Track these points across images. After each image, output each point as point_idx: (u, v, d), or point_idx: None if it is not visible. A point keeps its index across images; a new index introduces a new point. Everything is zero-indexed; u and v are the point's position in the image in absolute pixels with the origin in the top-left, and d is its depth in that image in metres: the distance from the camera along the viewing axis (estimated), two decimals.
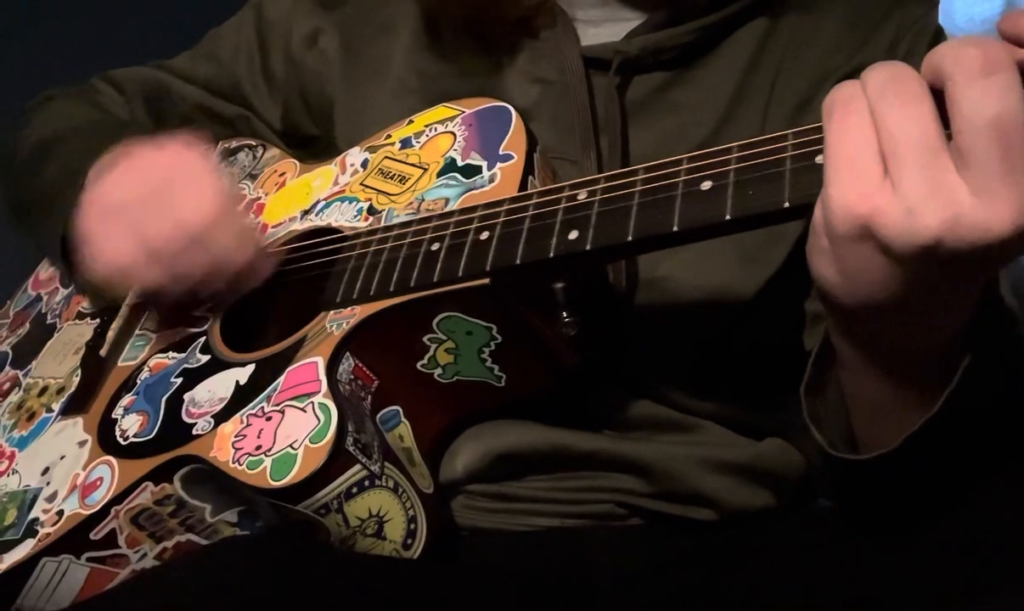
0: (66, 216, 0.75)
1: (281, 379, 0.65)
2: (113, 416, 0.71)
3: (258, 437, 0.62)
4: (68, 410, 0.74)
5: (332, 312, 0.67)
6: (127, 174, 0.71)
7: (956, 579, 0.53)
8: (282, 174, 0.84)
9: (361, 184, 0.76)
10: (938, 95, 0.45)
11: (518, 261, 0.60)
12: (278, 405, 0.63)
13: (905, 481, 0.58)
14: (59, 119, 0.88)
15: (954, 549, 0.55)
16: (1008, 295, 0.69)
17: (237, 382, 0.67)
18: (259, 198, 0.83)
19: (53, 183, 0.79)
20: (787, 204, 0.51)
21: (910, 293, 0.48)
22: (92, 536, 0.66)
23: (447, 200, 0.69)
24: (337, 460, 0.60)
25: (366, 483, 0.62)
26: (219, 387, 0.68)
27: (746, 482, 0.74)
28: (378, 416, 0.66)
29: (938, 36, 0.78)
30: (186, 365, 0.71)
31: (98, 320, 0.80)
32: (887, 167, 0.45)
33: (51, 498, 0.68)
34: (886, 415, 0.56)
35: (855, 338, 0.55)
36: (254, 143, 0.90)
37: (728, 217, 0.53)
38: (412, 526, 0.65)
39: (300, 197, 0.79)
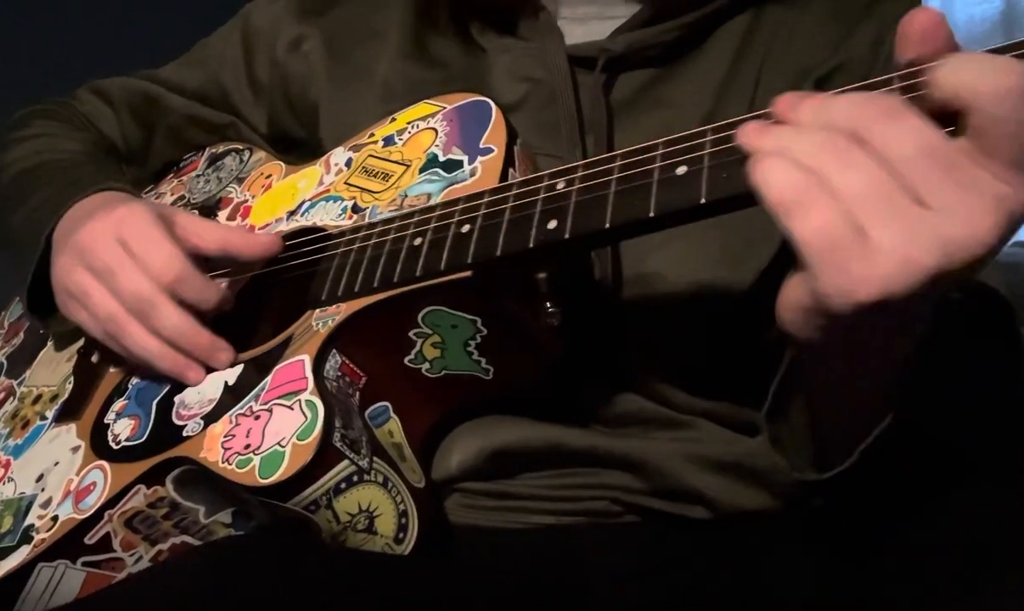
0: (30, 272, 0.77)
1: (269, 378, 0.65)
2: (105, 421, 0.71)
3: (247, 436, 0.62)
4: (61, 417, 0.75)
5: (318, 310, 0.68)
6: (74, 259, 0.72)
7: (954, 579, 0.53)
8: (268, 176, 0.84)
9: (345, 183, 0.76)
10: None
11: (499, 252, 0.61)
12: (266, 404, 0.64)
13: (871, 488, 0.58)
14: (35, 151, 0.89)
15: (952, 549, 0.55)
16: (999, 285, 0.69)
17: (226, 383, 0.68)
18: (246, 201, 0.83)
19: (20, 232, 0.81)
20: None
21: (898, 322, 0.49)
22: (87, 540, 0.66)
23: (429, 195, 0.70)
24: (324, 456, 0.60)
25: (355, 478, 0.62)
26: (208, 388, 0.68)
27: (740, 481, 0.74)
28: (367, 412, 0.67)
29: None
30: None
31: None
32: (862, 229, 0.45)
33: (46, 504, 0.69)
34: (853, 429, 0.56)
35: (831, 367, 0.55)
36: (241, 147, 0.91)
37: (703, 201, 0.54)
38: (403, 520, 0.65)
39: (286, 198, 0.80)
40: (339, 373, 0.66)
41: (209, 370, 0.69)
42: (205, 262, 0.76)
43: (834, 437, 0.59)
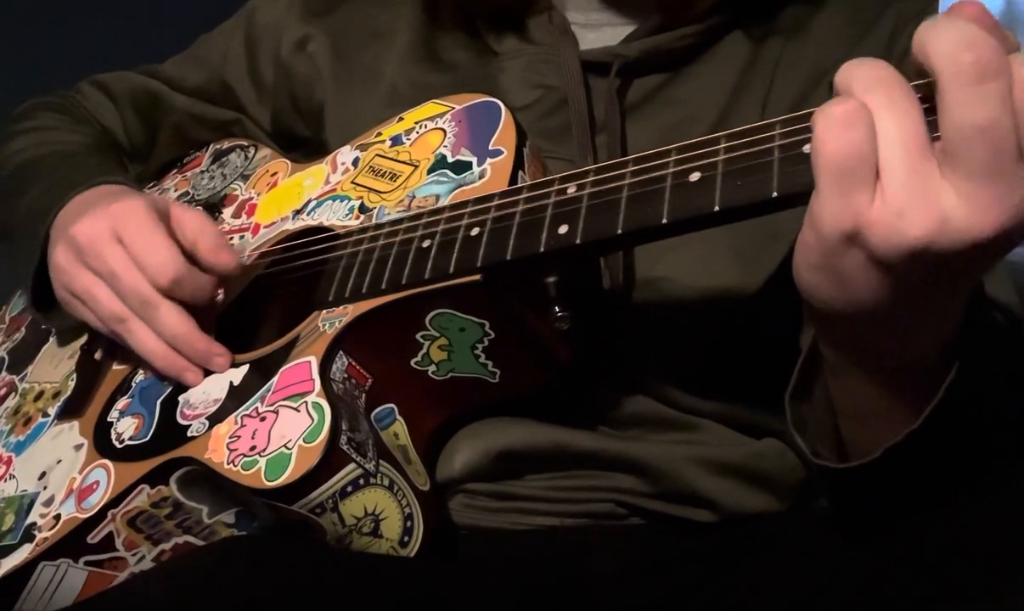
0: (32, 269, 0.77)
1: (275, 379, 0.65)
2: (109, 419, 0.71)
3: (252, 438, 0.62)
4: (64, 414, 0.74)
5: (325, 311, 0.67)
6: (73, 258, 0.72)
7: (956, 580, 0.53)
8: (274, 174, 0.84)
9: (352, 182, 0.76)
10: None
11: (508, 256, 0.60)
12: (272, 405, 0.63)
13: (891, 486, 0.58)
14: (37, 143, 0.89)
15: (954, 550, 0.55)
16: (1012, 297, 0.69)
17: (231, 383, 0.67)
18: (251, 198, 0.83)
19: (19, 224, 0.81)
20: (775, 194, 0.51)
21: (898, 298, 0.48)
22: (89, 539, 0.66)
23: (437, 197, 0.69)
24: (331, 459, 0.60)
25: (361, 482, 0.62)
26: (213, 388, 0.68)
27: (744, 484, 0.74)
28: (373, 414, 0.66)
29: None
30: None
31: None
32: (877, 172, 0.45)
33: (48, 502, 0.68)
34: (875, 421, 0.56)
35: (843, 345, 0.55)
36: (246, 143, 0.90)
37: (717, 208, 0.53)
38: (408, 524, 0.65)
39: (292, 197, 0.79)
40: (346, 375, 0.65)
41: (208, 373, 0.69)
42: None
43: (857, 434, 0.59)
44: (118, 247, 0.70)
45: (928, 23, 0.45)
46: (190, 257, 0.71)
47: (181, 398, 0.69)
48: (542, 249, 0.59)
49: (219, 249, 0.72)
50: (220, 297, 0.74)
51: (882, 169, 0.44)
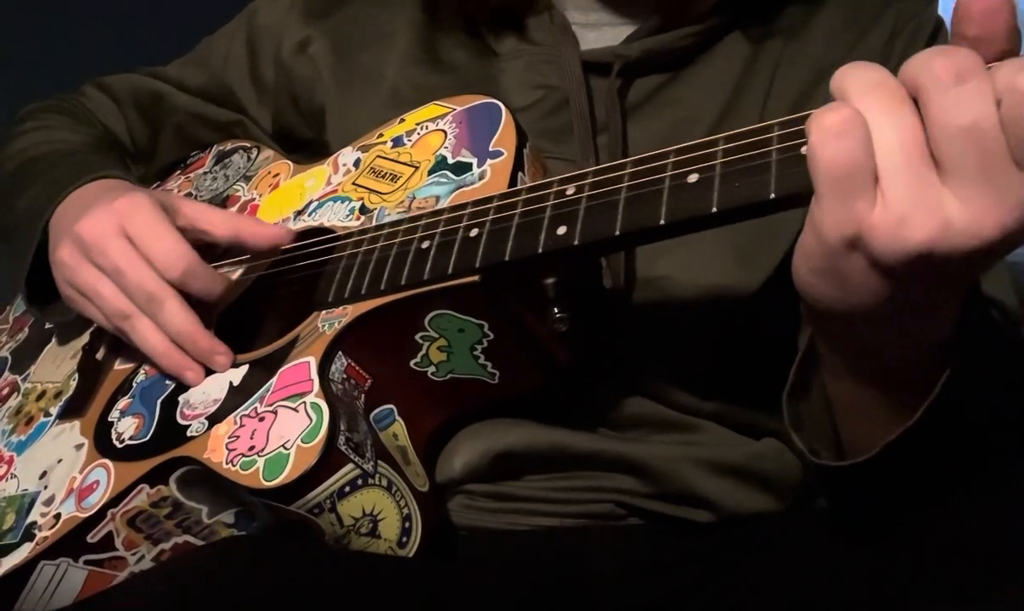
0: (28, 263, 0.78)
1: (274, 380, 0.65)
2: (109, 419, 0.71)
3: (251, 438, 0.62)
4: (65, 414, 0.74)
5: (324, 312, 0.68)
6: (77, 254, 0.72)
7: (955, 580, 0.53)
8: (276, 175, 0.84)
9: (353, 183, 0.76)
10: None
11: (507, 257, 0.60)
12: (271, 405, 0.63)
13: (889, 485, 0.58)
14: (38, 142, 0.89)
15: (954, 550, 0.55)
16: (1010, 297, 0.69)
17: (231, 383, 0.67)
18: (253, 199, 0.83)
19: (19, 221, 0.81)
20: (773, 196, 0.51)
21: (898, 300, 0.48)
22: (89, 539, 0.66)
23: (437, 198, 0.69)
24: (329, 459, 0.60)
25: (359, 482, 0.62)
26: (213, 388, 0.68)
27: (743, 484, 0.74)
28: (372, 415, 0.66)
29: (939, 29, 0.77)
30: None
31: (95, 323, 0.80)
32: (876, 178, 0.45)
33: (49, 502, 0.68)
34: (872, 420, 0.56)
35: (841, 346, 0.55)
36: (249, 145, 0.91)
37: (714, 210, 0.53)
38: (407, 524, 0.65)
39: (293, 198, 0.80)
40: (345, 375, 0.65)
41: (209, 372, 0.69)
42: (209, 251, 0.76)
43: (855, 434, 0.59)
44: (123, 242, 0.70)
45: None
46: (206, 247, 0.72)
47: (181, 398, 0.69)
48: (540, 250, 0.59)
49: (263, 227, 0.74)
50: (230, 291, 0.74)
51: (882, 175, 0.45)
